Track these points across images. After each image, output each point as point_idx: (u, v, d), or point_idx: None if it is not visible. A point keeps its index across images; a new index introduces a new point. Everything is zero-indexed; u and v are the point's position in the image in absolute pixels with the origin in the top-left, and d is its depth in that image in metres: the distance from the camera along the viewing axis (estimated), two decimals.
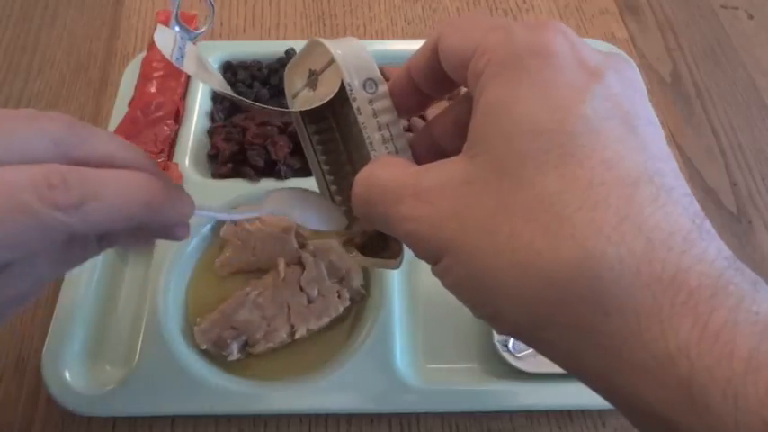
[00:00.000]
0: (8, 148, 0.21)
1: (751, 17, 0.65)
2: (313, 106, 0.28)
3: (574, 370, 0.20)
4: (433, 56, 0.25)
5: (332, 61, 0.27)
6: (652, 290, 0.18)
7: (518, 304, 0.19)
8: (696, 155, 0.54)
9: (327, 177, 0.33)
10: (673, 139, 0.55)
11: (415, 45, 0.61)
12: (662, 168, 0.20)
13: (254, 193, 0.46)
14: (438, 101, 0.28)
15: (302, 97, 0.30)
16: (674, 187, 0.19)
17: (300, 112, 0.31)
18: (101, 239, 0.27)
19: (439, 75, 0.25)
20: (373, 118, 0.27)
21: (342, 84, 0.26)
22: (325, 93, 0.28)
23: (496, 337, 0.40)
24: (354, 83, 0.26)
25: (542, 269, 0.18)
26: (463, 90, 0.25)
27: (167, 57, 0.27)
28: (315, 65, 0.29)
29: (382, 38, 0.61)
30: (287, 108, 0.31)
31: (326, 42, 0.27)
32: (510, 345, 0.40)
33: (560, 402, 0.39)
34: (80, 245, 0.26)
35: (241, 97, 0.28)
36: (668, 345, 0.17)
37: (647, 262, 0.18)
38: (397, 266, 0.30)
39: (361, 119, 0.26)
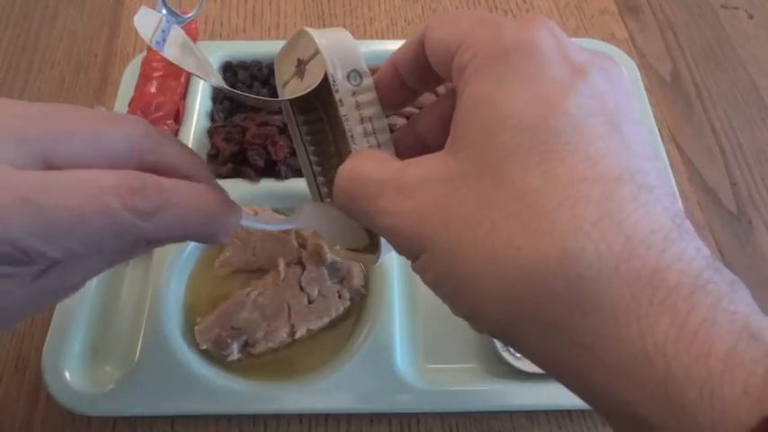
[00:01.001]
0: (96, 148, 0.23)
1: (751, 17, 0.65)
2: (296, 95, 0.28)
3: (551, 369, 0.20)
4: (419, 49, 0.24)
5: (317, 51, 0.26)
6: (630, 288, 0.17)
7: (496, 301, 0.19)
8: (696, 155, 0.54)
9: (315, 168, 0.32)
10: (673, 139, 0.55)
11: None
12: (644, 167, 0.19)
13: (254, 193, 0.46)
14: (421, 96, 0.28)
15: (291, 86, 0.30)
16: (655, 186, 0.19)
17: (290, 101, 0.30)
18: (151, 241, 0.27)
19: (425, 69, 0.25)
20: (356, 110, 0.26)
21: (319, 81, 0.26)
22: (310, 82, 0.27)
23: None
24: (338, 74, 0.26)
25: (520, 266, 0.18)
26: (449, 86, 0.25)
27: (146, 39, 0.26)
28: (302, 54, 0.28)
29: (382, 38, 0.61)
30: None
31: (311, 31, 0.27)
32: None
33: (560, 402, 0.39)
34: (131, 246, 0.26)
35: (231, 88, 0.28)
36: (645, 343, 0.17)
37: (625, 259, 0.18)
38: (375, 261, 0.30)
39: (342, 110, 0.26)
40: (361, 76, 0.27)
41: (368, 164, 0.24)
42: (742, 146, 0.55)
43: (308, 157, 0.32)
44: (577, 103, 0.20)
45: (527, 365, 0.39)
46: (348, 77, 0.26)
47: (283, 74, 0.31)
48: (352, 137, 0.26)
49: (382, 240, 0.28)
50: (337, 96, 0.26)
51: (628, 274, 0.17)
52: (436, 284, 0.22)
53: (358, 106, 0.26)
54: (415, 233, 0.21)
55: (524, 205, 0.19)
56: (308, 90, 0.27)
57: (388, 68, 0.27)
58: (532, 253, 0.18)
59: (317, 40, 0.26)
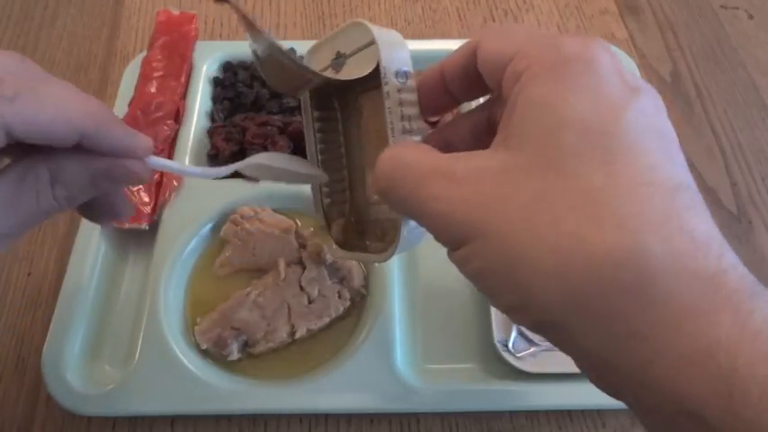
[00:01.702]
0: None
1: (751, 17, 0.65)
2: (353, 77, 0.28)
3: (599, 362, 0.20)
4: (470, 57, 0.25)
5: (370, 43, 0.27)
6: (694, 286, 0.18)
7: (554, 288, 0.19)
8: (696, 155, 0.54)
9: (320, 166, 0.33)
10: None
11: (414, 45, 0.61)
12: (692, 182, 0.21)
13: (254, 193, 0.46)
14: (458, 106, 0.29)
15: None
16: (701, 199, 0.21)
17: (311, 95, 0.32)
18: (54, 183, 0.25)
19: (472, 77, 0.26)
20: (399, 106, 0.27)
21: (370, 71, 0.27)
22: (352, 74, 0.28)
23: (496, 337, 0.40)
24: (390, 67, 0.27)
25: (588, 255, 0.19)
26: (479, 101, 0.27)
27: None
28: (345, 47, 0.29)
29: None
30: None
31: (370, 25, 0.28)
32: (510, 345, 0.40)
33: (560, 402, 0.39)
34: (31, 186, 0.25)
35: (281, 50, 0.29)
36: (709, 339, 0.18)
37: (691, 259, 0.18)
38: (383, 260, 0.30)
39: (387, 103, 0.27)
40: (407, 77, 0.28)
41: (412, 152, 0.24)
42: (742, 146, 0.55)
43: (317, 154, 0.33)
44: (635, 117, 0.21)
45: (527, 365, 0.39)
46: (396, 74, 0.27)
47: (316, 64, 0.31)
48: (392, 130, 0.27)
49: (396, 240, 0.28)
50: (385, 89, 0.27)
51: (692, 272, 0.18)
52: (483, 273, 0.22)
53: (401, 103, 0.27)
54: (467, 220, 0.21)
55: (590, 200, 0.19)
56: (365, 74, 0.28)
57: (433, 73, 0.28)
58: (601, 244, 0.19)
59: (374, 32, 0.27)
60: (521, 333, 0.41)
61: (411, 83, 0.28)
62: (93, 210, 0.30)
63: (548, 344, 0.40)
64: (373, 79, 0.28)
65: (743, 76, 0.60)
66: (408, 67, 0.28)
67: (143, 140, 0.27)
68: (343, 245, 0.34)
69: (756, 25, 0.64)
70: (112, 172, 0.26)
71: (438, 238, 0.23)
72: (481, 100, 0.29)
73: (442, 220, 0.22)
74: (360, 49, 0.29)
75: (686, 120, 0.56)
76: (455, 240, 0.22)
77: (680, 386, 0.18)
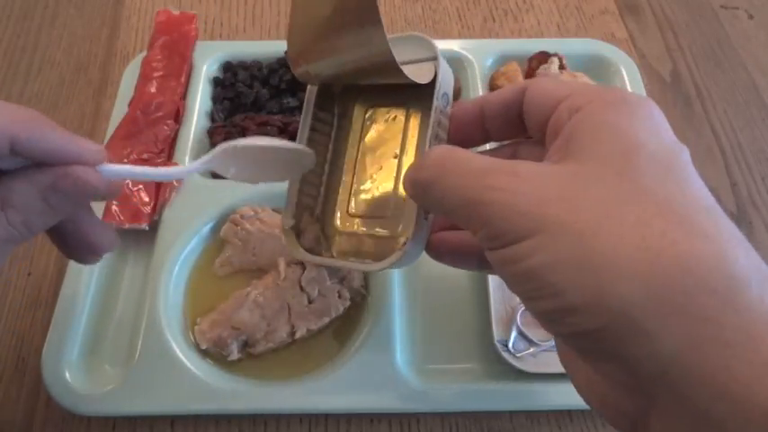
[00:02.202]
0: None
1: (751, 17, 0.65)
2: (422, 81, 0.29)
3: (674, 366, 0.19)
4: (514, 97, 0.27)
5: (429, 59, 0.30)
6: None
7: (641, 287, 0.19)
8: (696, 155, 0.53)
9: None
10: None
11: None
12: None
13: (254, 193, 0.46)
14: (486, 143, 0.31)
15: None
16: None
17: (317, 90, 0.33)
18: (5, 208, 0.25)
19: (512, 117, 0.27)
20: (437, 126, 0.29)
21: (427, 81, 0.29)
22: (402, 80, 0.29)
23: (496, 338, 0.40)
24: (441, 88, 0.29)
25: (678, 257, 0.19)
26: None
27: None
28: (401, 55, 0.29)
29: None
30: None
31: (434, 42, 0.30)
32: (510, 345, 0.40)
33: (560, 402, 0.39)
34: None
35: None
36: None
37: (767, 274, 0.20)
38: (373, 270, 0.31)
39: (433, 116, 0.28)
40: (448, 101, 0.29)
41: (465, 151, 0.25)
42: (742, 146, 0.55)
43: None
44: (686, 158, 0.23)
45: (527, 365, 0.39)
46: (442, 96, 0.29)
47: None
48: (429, 145, 0.28)
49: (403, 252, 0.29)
50: (435, 103, 0.28)
51: None
52: (544, 270, 0.21)
53: (438, 123, 0.29)
54: (532, 213, 0.21)
55: (673, 209, 0.20)
56: (428, 80, 0.29)
57: (473, 106, 0.29)
58: (690, 248, 0.19)
59: (437, 49, 0.30)
60: (521, 333, 0.41)
61: (450, 108, 0.29)
62: (69, 243, 0.28)
63: (548, 344, 0.40)
64: (390, 97, 0.29)
65: (743, 76, 0.60)
66: (450, 93, 0.29)
67: (90, 146, 0.25)
68: (309, 250, 0.34)
69: (756, 25, 0.64)
70: (59, 184, 0.25)
71: (491, 230, 0.22)
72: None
73: (502, 211, 0.22)
74: (414, 62, 0.30)
75: (686, 120, 0.56)
76: (514, 233, 0.22)
77: (762, 393, 0.18)
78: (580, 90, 0.24)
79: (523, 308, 0.40)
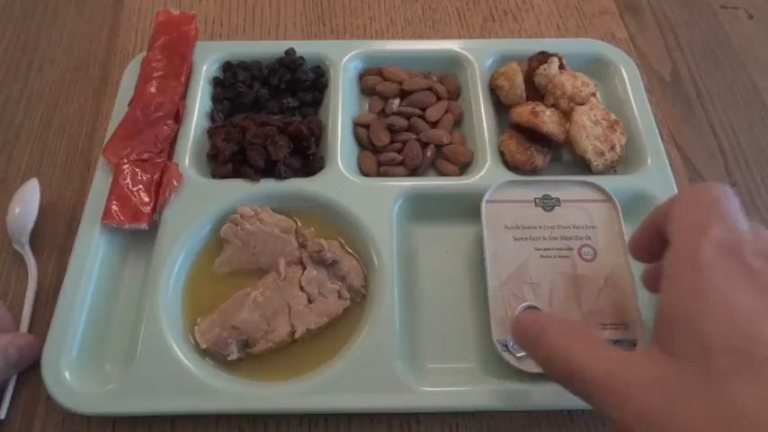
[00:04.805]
0: None
1: (751, 17, 0.65)
2: None
3: None
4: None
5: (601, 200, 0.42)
6: None
7: None
8: (696, 155, 0.54)
9: None
10: (673, 139, 0.55)
11: (414, 45, 0.61)
12: None
13: (254, 193, 0.46)
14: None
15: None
16: None
17: None
18: None
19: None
20: None
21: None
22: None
23: (496, 337, 0.40)
24: None
25: None
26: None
27: None
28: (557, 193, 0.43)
29: (382, 38, 0.61)
30: None
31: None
32: (510, 345, 0.40)
33: (560, 402, 0.39)
34: None
35: None
36: None
37: None
38: None
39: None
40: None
41: (584, 351, 0.28)
42: (742, 146, 0.55)
43: None
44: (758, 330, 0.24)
45: (527, 365, 0.39)
46: None
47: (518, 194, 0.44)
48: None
49: None
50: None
51: None
52: None
53: None
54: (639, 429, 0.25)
55: (742, 425, 0.22)
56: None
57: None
58: None
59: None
60: None
61: None
62: None
63: None
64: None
65: (743, 76, 0.60)
66: None
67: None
68: None
69: (756, 25, 0.64)
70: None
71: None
72: None
73: (615, 424, 0.26)
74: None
75: (686, 120, 0.56)
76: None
77: None
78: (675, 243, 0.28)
79: (522, 307, 0.40)
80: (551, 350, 0.30)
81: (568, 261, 0.40)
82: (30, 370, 0.41)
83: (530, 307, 0.39)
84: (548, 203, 0.43)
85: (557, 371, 0.30)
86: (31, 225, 0.46)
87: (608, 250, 0.41)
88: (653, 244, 0.32)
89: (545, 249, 0.41)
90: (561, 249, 0.41)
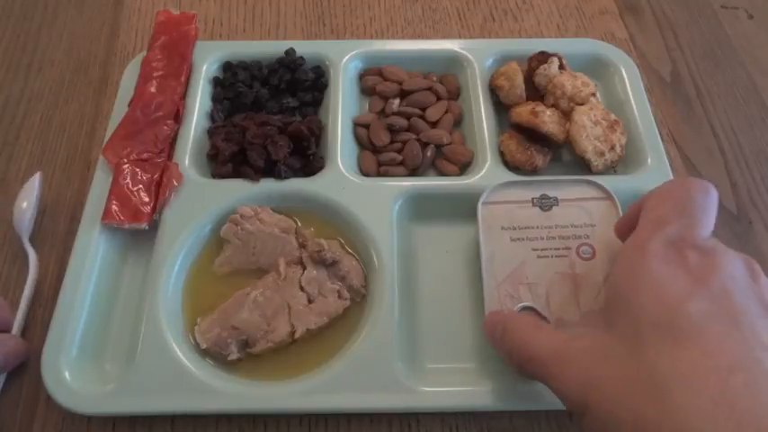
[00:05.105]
0: None
1: (751, 17, 0.65)
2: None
3: None
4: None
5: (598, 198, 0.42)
6: None
7: None
8: (696, 155, 0.54)
9: None
10: (673, 139, 0.55)
11: (414, 45, 0.61)
12: (763, 357, 0.24)
13: (254, 193, 0.46)
14: None
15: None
16: (757, 376, 0.24)
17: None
18: None
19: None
20: None
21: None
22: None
23: None
24: None
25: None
26: None
27: None
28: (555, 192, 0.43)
29: (382, 38, 0.61)
30: None
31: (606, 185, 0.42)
32: None
33: (560, 403, 0.38)
34: None
35: None
36: None
37: None
38: None
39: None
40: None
41: (538, 336, 0.33)
42: (742, 146, 0.55)
43: None
44: (696, 307, 0.26)
45: None
46: None
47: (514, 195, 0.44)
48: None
49: None
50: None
51: None
52: None
53: None
54: (577, 398, 0.28)
55: (657, 386, 0.25)
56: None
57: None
58: (663, 425, 0.24)
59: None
60: None
61: None
62: None
63: None
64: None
65: (743, 76, 0.60)
66: None
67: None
68: None
69: (756, 25, 0.64)
70: None
71: (565, 405, 0.30)
72: None
73: (561, 395, 0.30)
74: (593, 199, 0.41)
75: (686, 120, 0.56)
76: (575, 410, 0.29)
77: None
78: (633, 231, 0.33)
79: (519, 308, 0.40)
80: (512, 342, 0.34)
81: (566, 260, 0.40)
82: (30, 370, 0.41)
83: (527, 307, 0.39)
84: (545, 203, 0.42)
85: (518, 359, 0.33)
86: (29, 216, 0.46)
87: (607, 248, 0.40)
88: (633, 228, 0.34)
89: (542, 249, 0.41)
90: (559, 249, 0.41)
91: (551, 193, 0.43)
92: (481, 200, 0.43)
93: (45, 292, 0.45)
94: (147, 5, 0.63)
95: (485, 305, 0.40)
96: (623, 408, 0.26)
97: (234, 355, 0.40)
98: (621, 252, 0.32)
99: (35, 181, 0.48)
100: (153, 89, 0.51)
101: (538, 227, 0.42)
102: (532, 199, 0.43)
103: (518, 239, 0.42)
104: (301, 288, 0.42)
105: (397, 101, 0.53)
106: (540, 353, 0.31)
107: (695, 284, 0.27)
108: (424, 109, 0.52)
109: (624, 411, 0.26)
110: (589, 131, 0.48)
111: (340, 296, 0.42)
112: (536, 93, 0.52)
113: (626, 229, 0.35)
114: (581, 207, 0.42)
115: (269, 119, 0.49)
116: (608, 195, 0.42)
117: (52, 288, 0.44)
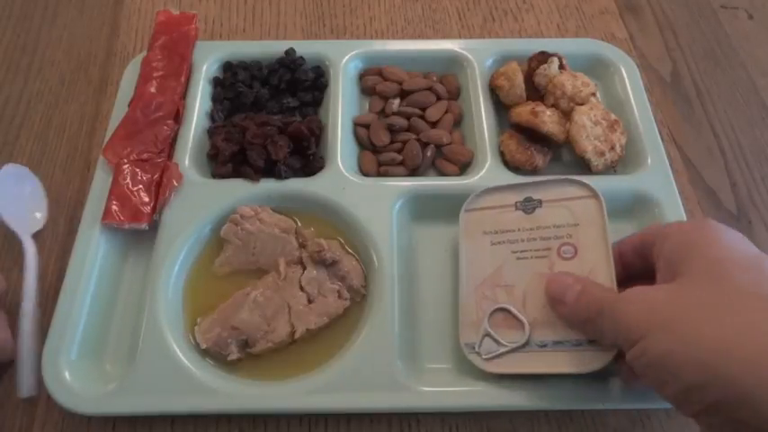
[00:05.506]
0: None
1: (751, 17, 0.65)
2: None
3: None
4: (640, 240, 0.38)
5: (582, 197, 0.41)
6: None
7: (749, 367, 0.27)
8: (696, 155, 0.54)
9: None
10: (673, 139, 0.55)
11: (414, 45, 0.61)
12: None
13: (254, 193, 0.46)
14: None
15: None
16: None
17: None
18: None
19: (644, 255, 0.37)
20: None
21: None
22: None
23: (464, 341, 0.40)
24: None
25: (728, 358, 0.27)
26: None
27: None
28: (540, 195, 0.42)
29: (382, 38, 0.61)
30: None
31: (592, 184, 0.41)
32: (477, 347, 0.39)
33: (560, 402, 0.39)
34: None
35: None
36: None
37: None
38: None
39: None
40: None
41: (598, 285, 0.36)
42: (742, 146, 0.55)
43: None
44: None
45: (494, 367, 0.39)
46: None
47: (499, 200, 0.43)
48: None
49: None
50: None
51: None
52: (661, 359, 0.29)
53: None
54: (641, 320, 0.31)
55: (736, 296, 0.29)
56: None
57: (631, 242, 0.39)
58: (733, 352, 0.27)
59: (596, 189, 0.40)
60: (488, 335, 0.40)
61: None
62: None
63: (513, 344, 0.39)
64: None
65: (743, 76, 0.60)
66: None
67: None
68: None
69: (756, 25, 0.64)
70: None
71: (614, 336, 0.32)
72: None
73: (617, 324, 0.32)
74: (575, 199, 0.41)
75: (686, 120, 0.56)
76: (631, 337, 0.31)
77: None
78: (667, 226, 0.36)
79: (493, 309, 0.39)
80: (587, 296, 0.36)
81: (545, 261, 0.40)
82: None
83: (501, 309, 0.39)
84: (528, 206, 0.42)
85: (590, 310, 0.35)
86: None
87: (590, 247, 0.39)
88: (635, 252, 0.38)
89: (522, 251, 0.41)
90: (539, 250, 0.40)
91: (536, 196, 0.42)
92: (464, 207, 0.43)
93: (45, 292, 0.44)
94: (147, 5, 0.63)
95: (459, 309, 0.40)
96: (713, 321, 0.28)
97: (234, 355, 0.40)
98: (675, 227, 0.35)
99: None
100: (153, 89, 0.51)
101: (519, 229, 0.42)
102: (516, 203, 0.42)
103: (498, 243, 0.41)
104: (301, 288, 0.42)
105: (397, 101, 0.53)
106: (602, 294, 0.35)
107: (760, 257, 0.32)
108: (424, 109, 0.52)
109: (716, 325, 0.28)
110: (589, 131, 0.48)
111: (340, 296, 0.42)
112: (536, 93, 0.52)
113: (627, 252, 0.38)
114: (565, 207, 0.42)
115: (269, 119, 0.49)
116: (593, 194, 0.41)
117: (52, 288, 0.44)
